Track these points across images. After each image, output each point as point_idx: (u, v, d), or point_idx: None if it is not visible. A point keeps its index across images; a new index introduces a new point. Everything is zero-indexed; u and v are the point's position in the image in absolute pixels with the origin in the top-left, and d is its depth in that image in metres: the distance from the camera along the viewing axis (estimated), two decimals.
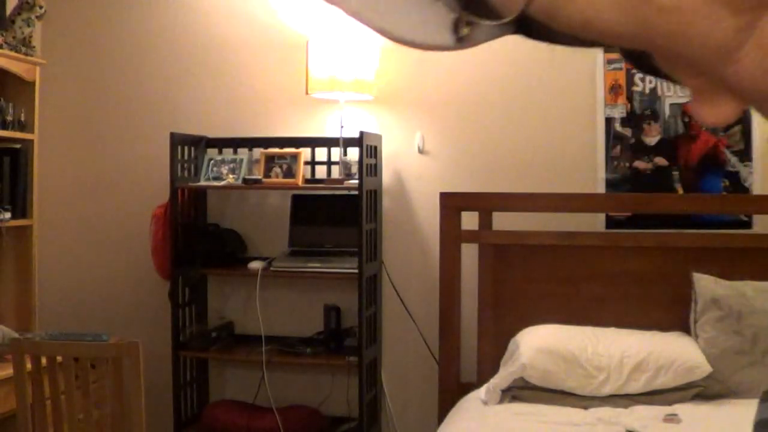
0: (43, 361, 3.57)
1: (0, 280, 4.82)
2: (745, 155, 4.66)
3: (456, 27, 0.51)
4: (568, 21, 0.48)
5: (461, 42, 0.52)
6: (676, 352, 3.99)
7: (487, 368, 4.32)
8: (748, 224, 4.65)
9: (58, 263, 5.33)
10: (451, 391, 4.34)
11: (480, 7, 0.50)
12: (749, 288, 4.17)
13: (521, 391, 3.97)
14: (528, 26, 0.51)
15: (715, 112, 0.49)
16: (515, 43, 0.62)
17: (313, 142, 4.90)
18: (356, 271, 4.55)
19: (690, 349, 4.03)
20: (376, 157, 4.81)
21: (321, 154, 4.92)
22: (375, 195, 4.80)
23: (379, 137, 4.86)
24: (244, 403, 4.94)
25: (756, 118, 4.61)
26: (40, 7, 4.73)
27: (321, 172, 4.94)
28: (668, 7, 0.46)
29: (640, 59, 0.51)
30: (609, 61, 4.73)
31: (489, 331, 4.48)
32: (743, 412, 3.71)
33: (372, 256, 4.73)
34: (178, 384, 4.80)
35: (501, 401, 3.95)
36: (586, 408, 3.86)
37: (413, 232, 4.90)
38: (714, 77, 0.48)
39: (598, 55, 4.72)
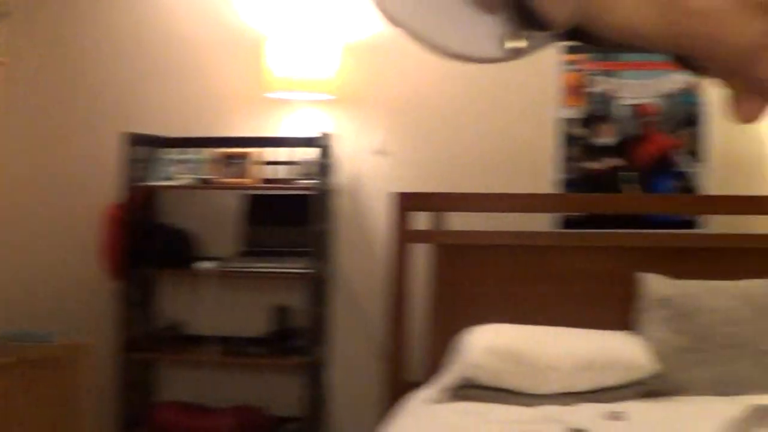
0: None
1: None
2: (696, 156, 4.67)
3: (506, 39, 0.53)
4: (612, 29, 0.51)
5: (515, 53, 0.54)
6: (622, 351, 4.00)
7: (436, 367, 4.30)
8: (694, 224, 4.67)
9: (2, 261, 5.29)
10: (398, 390, 4.30)
11: (530, 19, 0.51)
12: (696, 287, 4.18)
13: (468, 390, 3.93)
14: (575, 34, 0.53)
15: (747, 111, 0.51)
16: None
17: (269, 142, 4.88)
18: (307, 271, 4.54)
19: (637, 347, 4.03)
20: (333, 157, 4.80)
21: (278, 154, 4.90)
22: (330, 195, 4.80)
23: (336, 137, 4.84)
24: (191, 404, 4.91)
25: (709, 120, 4.63)
26: (4, 6, 4.72)
27: (278, 172, 4.91)
28: (699, 11, 0.48)
29: (685, 61, 0.54)
30: (565, 63, 4.73)
31: (438, 331, 4.46)
32: (690, 410, 3.77)
33: (323, 257, 4.72)
34: (125, 385, 4.77)
35: (448, 400, 3.91)
36: (532, 406, 3.83)
37: (367, 232, 4.89)
38: (745, 77, 0.50)
39: (554, 57, 4.72)
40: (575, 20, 0.49)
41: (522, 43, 0.52)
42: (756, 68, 0.48)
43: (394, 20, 0.53)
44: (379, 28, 4.82)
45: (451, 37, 0.53)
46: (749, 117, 0.51)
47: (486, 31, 0.53)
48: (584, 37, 0.52)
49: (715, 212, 4.61)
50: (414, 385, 4.26)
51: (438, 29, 0.53)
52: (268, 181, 4.85)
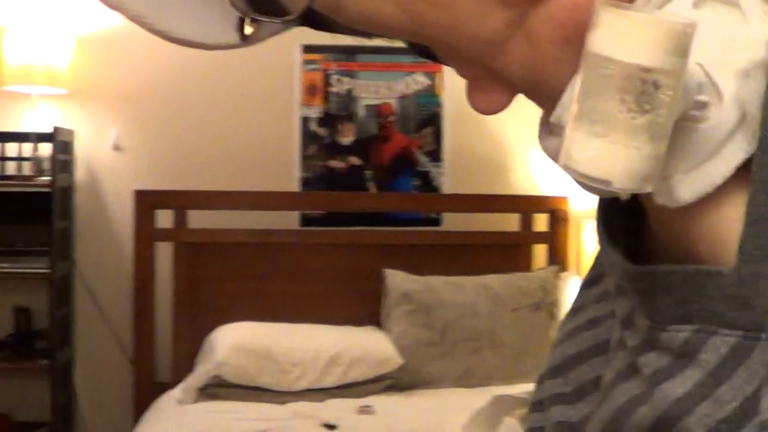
0: None
1: None
2: (435, 156, 4.86)
3: (241, 25, 0.49)
4: (350, 16, 0.49)
5: (247, 40, 0.51)
6: (368, 346, 4.12)
7: (184, 368, 4.28)
8: (436, 222, 4.86)
9: None
10: (147, 392, 4.27)
11: (265, 3, 0.48)
12: (437, 282, 4.36)
13: (217, 389, 3.95)
14: (313, 19, 0.50)
15: (488, 101, 0.51)
16: None
17: (2, 138, 4.69)
18: (47, 270, 4.42)
19: (382, 342, 4.17)
20: (69, 153, 4.68)
21: (12, 149, 4.72)
22: (69, 192, 4.67)
23: (73, 132, 4.71)
24: None
25: (446, 121, 4.82)
26: None
27: (11, 168, 4.74)
28: (440, 1, 0.47)
29: (422, 49, 0.52)
30: (306, 62, 4.80)
31: (185, 331, 4.44)
32: (436, 402, 3.93)
33: (64, 256, 4.60)
34: None
35: (197, 400, 3.91)
36: (282, 403, 3.89)
37: (108, 230, 4.79)
38: (486, 68, 0.49)
39: (295, 55, 4.78)
40: (312, 5, 0.49)
41: (250, 29, 0.51)
42: (497, 60, 0.49)
43: (109, 2, 0.50)
44: (114, 19, 4.72)
45: (175, 22, 0.51)
46: (489, 108, 0.51)
47: (214, 15, 0.51)
48: (324, 24, 0.52)
49: (453, 210, 4.82)
50: (164, 385, 4.24)
51: (160, 12, 0.51)
52: (3, 177, 4.67)
